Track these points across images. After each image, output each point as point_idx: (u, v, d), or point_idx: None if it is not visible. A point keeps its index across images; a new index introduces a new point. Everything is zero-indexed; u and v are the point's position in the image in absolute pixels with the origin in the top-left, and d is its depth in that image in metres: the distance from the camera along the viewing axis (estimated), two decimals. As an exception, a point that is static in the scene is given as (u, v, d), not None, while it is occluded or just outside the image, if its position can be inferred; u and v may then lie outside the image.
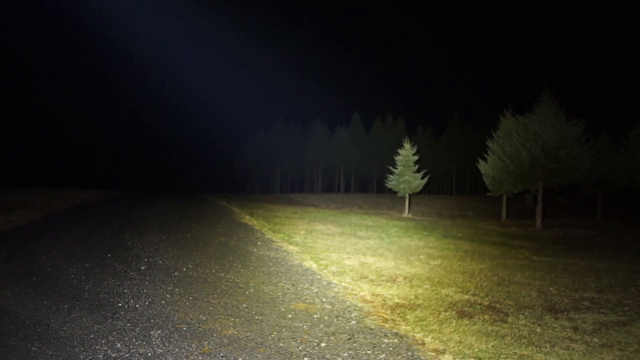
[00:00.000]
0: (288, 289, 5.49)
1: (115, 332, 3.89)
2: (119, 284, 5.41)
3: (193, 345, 3.65)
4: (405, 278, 6.36)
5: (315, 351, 3.62)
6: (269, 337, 3.88)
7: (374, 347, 3.74)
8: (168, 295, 5.01)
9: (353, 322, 4.35)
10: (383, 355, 3.58)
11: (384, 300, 5.13)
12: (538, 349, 3.86)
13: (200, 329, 4.02)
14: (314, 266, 6.85)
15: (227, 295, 5.10)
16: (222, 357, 3.46)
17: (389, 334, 4.04)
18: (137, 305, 4.62)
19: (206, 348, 3.61)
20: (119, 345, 3.63)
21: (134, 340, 3.74)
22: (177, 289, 5.27)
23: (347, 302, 4.99)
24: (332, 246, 8.96)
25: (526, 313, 4.89)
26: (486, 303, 5.22)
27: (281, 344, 3.74)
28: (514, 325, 4.46)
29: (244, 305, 4.75)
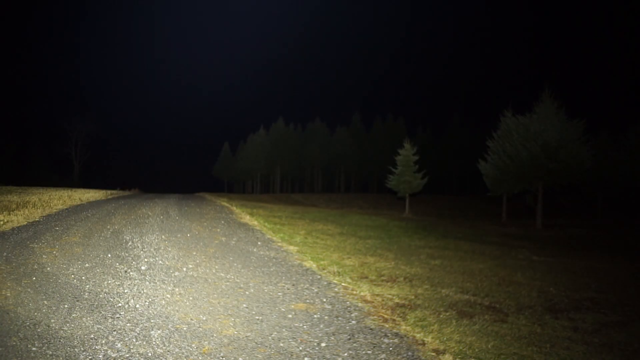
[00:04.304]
0: (288, 289, 5.49)
1: (115, 332, 3.88)
2: (119, 284, 5.41)
3: (193, 346, 3.65)
4: (405, 278, 6.36)
5: (315, 351, 3.62)
6: (269, 337, 3.88)
7: (374, 347, 3.75)
8: (168, 295, 5.01)
9: (353, 322, 4.35)
10: (383, 355, 3.58)
11: (384, 300, 5.13)
12: (538, 349, 3.87)
13: (201, 329, 4.02)
14: (314, 266, 6.84)
15: (227, 295, 5.10)
16: (222, 357, 3.46)
17: (389, 334, 4.04)
18: (137, 305, 4.62)
19: (206, 348, 3.61)
20: (119, 345, 3.63)
21: (134, 340, 3.74)
22: (177, 289, 5.27)
23: (347, 302, 4.99)
24: (332, 246, 8.96)
25: (526, 313, 4.89)
26: (486, 303, 5.22)
27: (281, 344, 3.74)
28: (514, 325, 4.46)
29: (244, 305, 4.75)
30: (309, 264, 6.96)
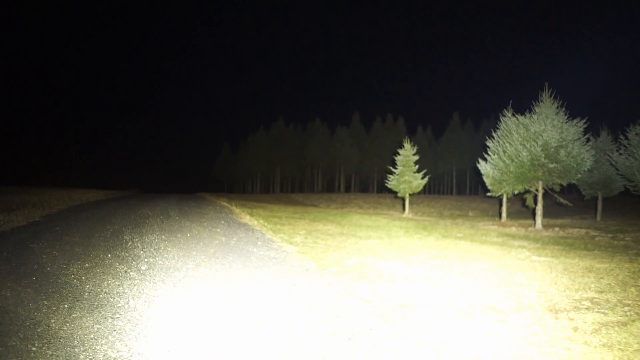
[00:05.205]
0: (288, 289, 5.49)
1: (115, 332, 3.89)
2: (119, 284, 5.41)
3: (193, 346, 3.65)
4: (405, 278, 6.36)
5: (316, 351, 3.62)
6: (270, 337, 3.88)
7: (374, 347, 3.75)
8: (168, 296, 5.01)
9: (354, 322, 4.36)
10: (384, 355, 3.58)
11: (384, 301, 5.14)
12: (538, 349, 3.86)
13: (201, 329, 4.02)
14: (314, 266, 6.84)
15: (227, 296, 5.10)
16: (223, 357, 3.46)
17: (389, 334, 4.05)
18: (137, 305, 4.62)
19: (206, 348, 3.62)
20: (119, 345, 3.63)
21: (134, 340, 3.74)
22: (177, 289, 5.27)
23: (348, 302, 5.00)
24: (332, 246, 8.96)
25: (526, 313, 4.89)
26: (486, 303, 5.22)
27: (282, 344, 3.74)
28: (514, 325, 4.46)
29: (245, 306, 4.75)
30: (309, 264, 6.96)
